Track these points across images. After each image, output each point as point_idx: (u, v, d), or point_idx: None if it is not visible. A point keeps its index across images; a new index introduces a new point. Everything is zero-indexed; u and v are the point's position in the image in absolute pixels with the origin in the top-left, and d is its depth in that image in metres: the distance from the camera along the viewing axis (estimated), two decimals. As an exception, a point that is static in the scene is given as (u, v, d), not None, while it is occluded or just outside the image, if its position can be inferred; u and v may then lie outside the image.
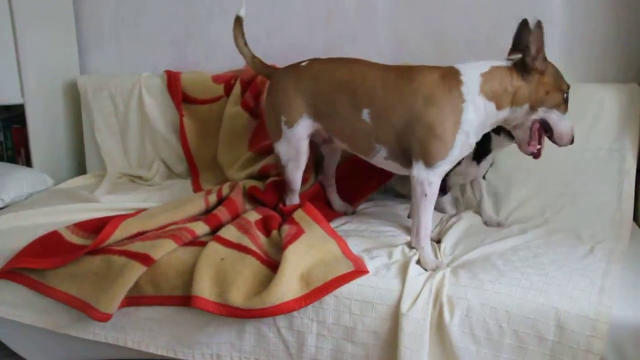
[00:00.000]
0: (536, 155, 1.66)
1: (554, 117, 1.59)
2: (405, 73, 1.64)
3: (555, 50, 2.08)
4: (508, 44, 1.67)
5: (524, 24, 1.63)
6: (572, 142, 1.63)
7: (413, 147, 1.61)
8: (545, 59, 1.57)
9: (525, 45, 1.54)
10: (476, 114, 1.57)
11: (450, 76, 1.59)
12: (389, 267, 1.54)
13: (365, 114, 1.67)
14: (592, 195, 1.97)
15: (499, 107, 1.58)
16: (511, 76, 1.57)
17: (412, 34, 2.29)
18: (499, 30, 2.12)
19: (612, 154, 1.99)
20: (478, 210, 1.99)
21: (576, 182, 2.00)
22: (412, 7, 2.27)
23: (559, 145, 1.63)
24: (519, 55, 1.59)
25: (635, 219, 1.97)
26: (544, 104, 1.57)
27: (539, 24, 1.51)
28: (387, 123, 1.64)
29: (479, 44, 2.21)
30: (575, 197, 1.98)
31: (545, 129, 1.61)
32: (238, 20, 1.90)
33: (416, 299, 1.43)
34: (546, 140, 1.66)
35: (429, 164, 1.59)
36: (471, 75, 1.58)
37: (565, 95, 1.59)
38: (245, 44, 1.91)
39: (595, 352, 1.30)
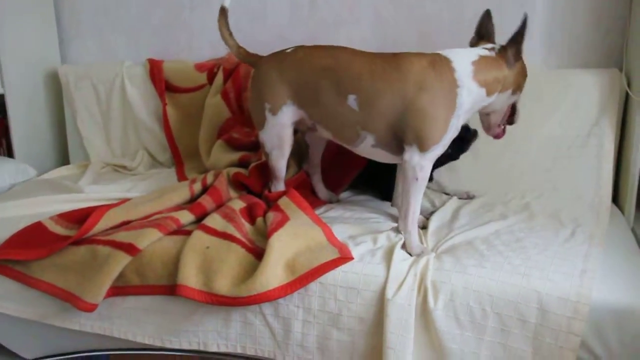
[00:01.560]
0: (499, 134, 1.77)
1: (518, 100, 1.72)
2: (392, 60, 1.65)
3: (537, 36, 2.10)
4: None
5: (487, 15, 1.71)
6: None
7: (406, 133, 1.62)
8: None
9: (518, 36, 1.60)
10: (469, 98, 1.61)
11: (440, 63, 1.61)
12: (373, 253, 1.55)
13: (352, 100, 1.67)
14: (572, 180, 1.99)
15: (489, 93, 1.62)
16: (499, 65, 1.62)
17: (395, 20, 2.29)
18: (481, 16, 2.12)
19: (591, 139, 2.01)
20: (463, 196, 2.02)
21: (556, 167, 2.02)
22: (395, -7, 2.27)
23: (511, 124, 1.76)
24: (493, 45, 1.66)
25: (615, 201, 2.00)
26: (520, 88, 1.68)
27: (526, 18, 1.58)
28: (375, 110, 1.64)
29: (462, 31, 2.19)
30: (555, 182, 2.00)
31: (512, 111, 1.74)
32: (222, 12, 1.89)
33: (401, 284, 1.44)
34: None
35: (422, 148, 1.60)
36: (462, 63, 1.61)
37: None
38: (231, 34, 1.90)
39: (576, 333, 1.33)
